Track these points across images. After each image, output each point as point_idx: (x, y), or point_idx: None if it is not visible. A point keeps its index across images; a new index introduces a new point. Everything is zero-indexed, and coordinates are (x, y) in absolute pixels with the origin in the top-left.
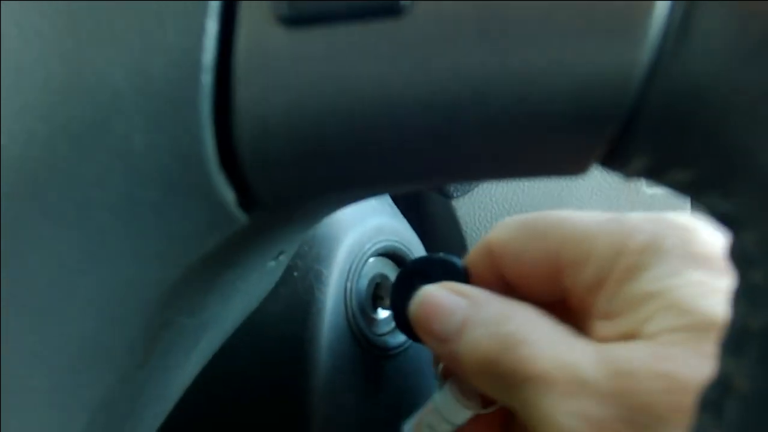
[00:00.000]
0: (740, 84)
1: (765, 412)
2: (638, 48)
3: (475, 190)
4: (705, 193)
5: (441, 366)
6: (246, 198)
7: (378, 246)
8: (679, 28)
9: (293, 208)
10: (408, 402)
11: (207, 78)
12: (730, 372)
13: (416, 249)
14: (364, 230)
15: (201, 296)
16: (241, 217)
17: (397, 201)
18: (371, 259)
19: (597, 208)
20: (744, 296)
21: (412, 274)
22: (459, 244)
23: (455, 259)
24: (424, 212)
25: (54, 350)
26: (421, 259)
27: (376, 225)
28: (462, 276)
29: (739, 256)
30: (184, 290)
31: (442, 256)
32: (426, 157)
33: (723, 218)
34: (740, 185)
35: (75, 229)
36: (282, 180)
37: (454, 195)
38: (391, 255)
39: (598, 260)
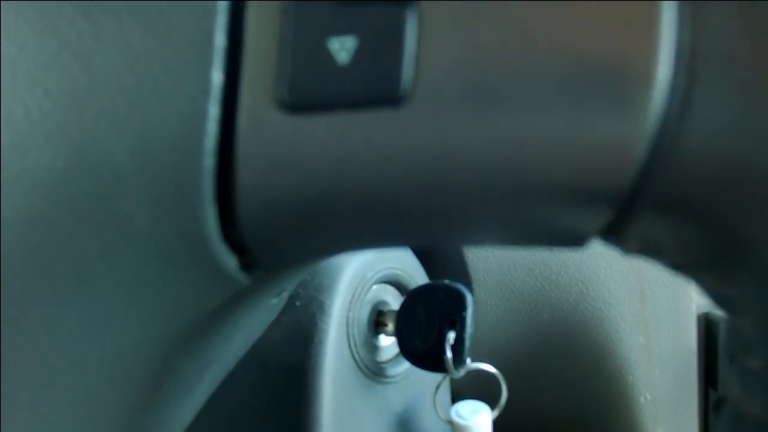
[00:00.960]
0: (741, 174)
1: None
2: (638, 127)
3: None
4: (703, 276)
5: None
6: (247, 260)
7: (380, 274)
8: (681, 105)
9: (294, 266)
10: (409, 427)
11: (209, 161)
12: None
13: (419, 275)
14: (366, 258)
15: (204, 342)
16: (242, 279)
17: None
18: (373, 287)
19: None
20: (738, 379)
21: (416, 302)
22: (461, 267)
23: (459, 286)
24: None
25: (58, 413)
26: (425, 286)
27: (378, 253)
28: (465, 303)
29: (734, 337)
30: (188, 341)
31: (446, 283)
32: (421, 227)
33: (720, 300)
34: (736, 270)
35: (79, 300)
36: (281, 250)
37: None
38: (393, 282)
39: None
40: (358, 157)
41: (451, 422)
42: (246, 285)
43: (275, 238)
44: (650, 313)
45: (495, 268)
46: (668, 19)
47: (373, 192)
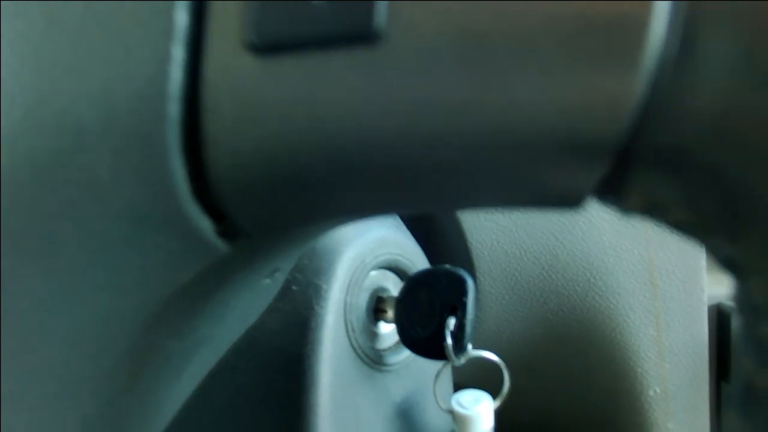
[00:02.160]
0: (745, 120)
1: None
2: (631, 79)
3: None
4: (709, 235)
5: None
6: (226, 227)
7: (379, 259)
8: (677, 57)
9: (279, 235)
10: (409, 417)
11: (174, 108)
12: (739, 430)
13: (419, 261)
14: (365, 243)
15: (189, 320)
16: (221, 246)
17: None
18: (372, 272)
19: (604, 218)
20: (751, 351)
21: (417, 287)
22: (465, 256)
23: (460, 272)
24: (430, 223)
25: (31, 382)
26: (425, 272)
27: (378, 237)
28: (467, 289)
29: (745, 304)
30: (169, 316)
31: (447, 268)
32: (406, 187)
33: (728, 263)
34: (746, 229)
35: (44, 263)
36: (259, 210)
37: None
38: (393, 268)
39: None
40: (332, 100)
41: (451, 411)
42: (226, 254)
43: (250, 195)
44: (661, 305)
45: (501, 257)
46: None
47: (349, 142)
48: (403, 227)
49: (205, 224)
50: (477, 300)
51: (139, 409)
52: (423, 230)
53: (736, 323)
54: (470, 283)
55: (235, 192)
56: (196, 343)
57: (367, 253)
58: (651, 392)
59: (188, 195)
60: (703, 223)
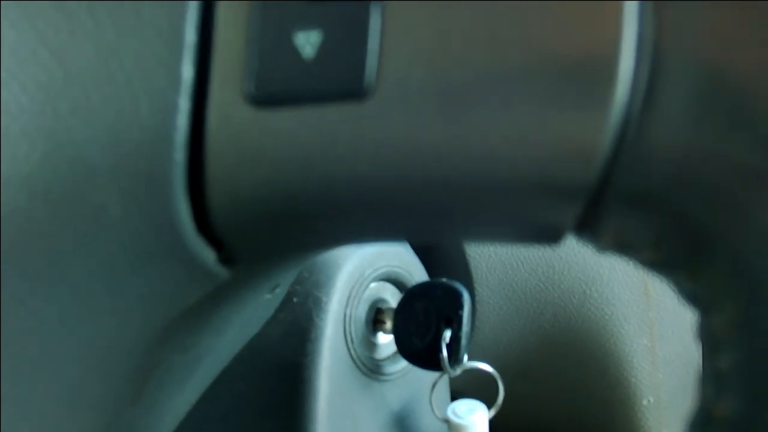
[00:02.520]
0: (704, 166)
1: None
2: (600, 124)
3: None
4: (673, 272)
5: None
6: (226, 254)
7: (378, 271)
8: (643, 104)
9: (276, 260)
10: (406, 426)
11: (180, 155)
12: None
13: (418, 273)
14: (365, 256)
15: (193, 335)
16: (221, 273)
17: None
18: (372, 284)
19: None
20: (709, 380)
21: (414, 299)
22: (463, 266)
23: (456, 285)
24: None
25: (39, 404)
26: (423, 284)
27: (377, 250)
28: (462, 301)
29: (706, 337)
30: (173, 333)
31: (444, 281)
32: (391, 224)
33: (691, 299)
34: (707, 268)
35: (55, 290)
36: (256, 244)
37: None
38: (392, 279)
39: None
40: (325, 150)
41: (447, 421)
42: (226, 279)
43: (249, 231)
44: (654, 315)
45: (498, 268)
46: (631, 15)
47: (340, 186)
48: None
49: (207, 254)
50: (474, 310)
51: (144, 420)
52: (422, 243)
53: (700, 353)
54: (466, 296)
55: (234, 227)
56: (199, 356)
57: (367, 265)
58: (644, 401)
59: (192, 230)
60: (670, 262)
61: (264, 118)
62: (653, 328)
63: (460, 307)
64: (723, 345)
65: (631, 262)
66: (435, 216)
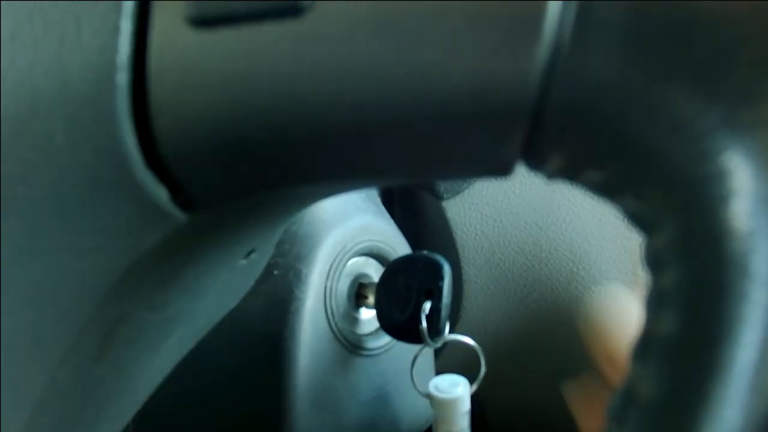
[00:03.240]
0: (636, 82)
1: (660, 420)
2: (534, 45)
3: (466, 191)
4: (618, 194)
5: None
6: (184, 198)
7: (361, 245)
8: (574, 25)
9: (240, 207)
10: (388, 401)
11: (122, 77)
12: (635, 380)
13: (401, 248)
14: (347, 229)
15: (160, 292)
16: (178, 215)
17: (390, 201)
18: (354, 259)
19: (587, 208)
20: (652, 301)
21: (396, 273)
22: (450, 245)
23: (437, 257)
24: (415, 213)
25: None
26: (404, 258)
27: (360, 224)
28: (442, 273)
29: (650, 258)
30: (137, 285)
31: (425, 253)
32: (342, 154)
33: (636, 220)
34: (647, 185)
35: (6, 222)
36: (207, 178)
37: (445, 196)
38: (375, 254)
39: None
40: (265, 69)
41: (429, 396)
42: (184, 222)
43: (197, 164)
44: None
45: (484, 246)
46: None
47: (282, 108)
48: (386, 215)
49: (160, 192)
50: (461, 289)
51: (111, 379)
52: (409, 220)
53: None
54: (446, 267)
55: (183, 159)
56: (172, 319)
57: (348, 239)
58: None
59: (140, 162)
60: (613, 183)
61: (205, 39)
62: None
63: (441, 278)
64: (665, 263)
65: (624, 239)
66: (379, 145)
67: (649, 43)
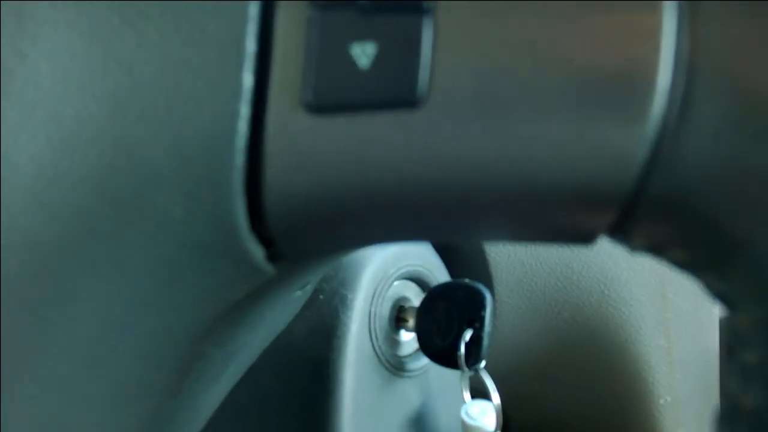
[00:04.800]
0: (734, 174)
1: None
2: (637, 134)
3: None
4: (702, 272)
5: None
6: (274, 252)
7: (402, 270)
8: (679, 111)
9: (317, 258)
10: (426, 422)
11: (239, 159)
12: None
13: (440, 272)
14: (388, 255)
15: (231, 330)
16: (269, 269)
17: None
18: (395, 283)
19: None
20: (737, 375)
21: (436, 299)
22: (483, 266)
23: (479, 286)
24: None
25: (97, 391)
26: (445, 285)
27: (400, 250)
28: (485, 302)
29: (733, 333)
30: (215, 328)
31: (466, 282)
32: (437, 227)
33: (720, 297)
34: (734, 269)
35: (118, 287)
36: (304, 243)
37: None
38: (415, 278)
39: None
40: (377, 156)
41: (462, 420)
42: (272, 275)
43: (299, 231)
44: (671, 316)
45: (517, 267)
46: (669, 26)
47: (390, 190)
48: None
49: (257, 251)
50: (494, 311)
51: (181, 411)
52: (444, 243)
53: (721, 349)
54: (488, 297)
55: (287, 227)
56: (234, 350)
57: (390, 264)
58: (661, 401)
59: (247, 230)
60: (697, 263)
61: (320, 125)
62: (670, 329)
63: (482, 308)
64: (749, 341)
65: (654, 263)
66: (477, 220)
67: (749, 140)
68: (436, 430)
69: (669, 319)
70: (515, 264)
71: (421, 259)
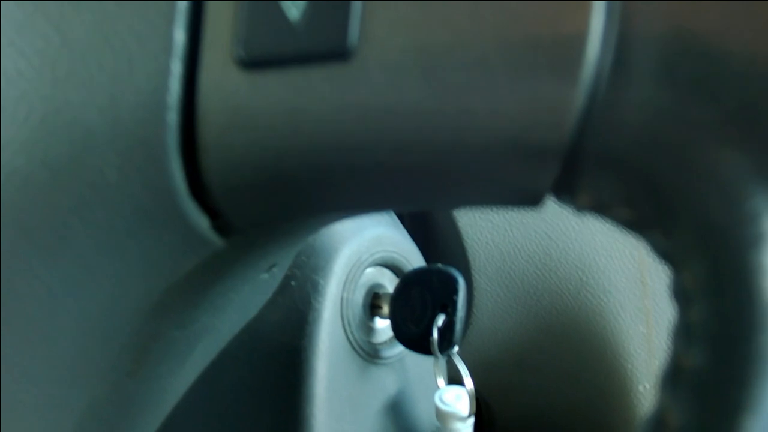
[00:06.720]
0: (669, 127)
1: None
2: (571, 91)
3: None
4: (647, 231)
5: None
6: (221, 223)
7: (376, 256)
8: (611, 72)
9: (271, 230)
10: (401, 408)
11: (173, 116)
12: (664, 408)
13: (415, 259)
14: (362, 241)
15: (191, 310)
16: (217, 240)
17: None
18: (369, 269)
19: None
20: (681, 333)
21: (411, 285)
22: (461, 254)
23: (452, 271)
24: (426, 222)
25: (41, 366)
26: (419, 270)
27: (375, 235)
28: (457, 287)
29: (679, 292)
30: (171, 305)
31: (440, 267)
32: (377, 186)
33: (665, 256)
34: (677, 225)
35: (56, 254)
36: (249, 208)
37: None
38: (389, 265)
39: None
40: (311, 110)
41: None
42: (222, 248)
43: (241, 195)
44: (651, 303)
45: (495, 256)
46: None
47: (327, 148)
48: (400, 226)
49: (201, 221)
50: (471, 298)
51: (143, 394)
52: (420, 229)
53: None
54: (461, 281)
55: (227, 192)
56: (198, 333)
57: (364, 250)
58: (640, 388)
59: (186, 194)
60: (641, 221)
61: (253, 80)
62: (649, 316)
63: (455, 292)
64: (693, 299)
65: (633, 250)
66: (417, 180)
67: (682, 94)
68: (412, 417)
69: (648, 306)
70: (494, 252)
71: (396, 245)
